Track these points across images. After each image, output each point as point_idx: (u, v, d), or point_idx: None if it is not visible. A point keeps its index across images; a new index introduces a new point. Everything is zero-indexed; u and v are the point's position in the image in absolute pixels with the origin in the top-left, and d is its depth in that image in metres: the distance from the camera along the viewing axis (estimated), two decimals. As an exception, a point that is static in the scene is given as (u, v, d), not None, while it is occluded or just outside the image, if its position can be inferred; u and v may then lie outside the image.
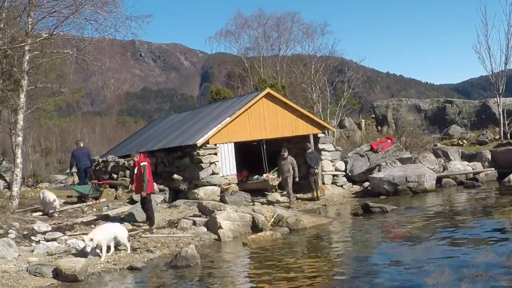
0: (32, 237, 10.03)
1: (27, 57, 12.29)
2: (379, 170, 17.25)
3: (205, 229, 10.81)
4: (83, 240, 8.75)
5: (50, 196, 12.38)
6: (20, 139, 12.51)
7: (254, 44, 37.63)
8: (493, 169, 17.61)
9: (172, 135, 17.93)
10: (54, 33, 12.52)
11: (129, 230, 10.66)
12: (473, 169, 17.76)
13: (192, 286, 7.35)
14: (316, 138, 17.18)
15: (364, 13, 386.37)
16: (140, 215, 11.29)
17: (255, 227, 10.96)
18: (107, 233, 8.83)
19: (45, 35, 12.64)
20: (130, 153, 18.41)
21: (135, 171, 10.96)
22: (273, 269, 7.82)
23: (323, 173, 16.96)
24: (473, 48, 23.61)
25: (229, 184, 15.01)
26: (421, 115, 32.12)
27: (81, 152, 15.25)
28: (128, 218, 11.44)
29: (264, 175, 16.10)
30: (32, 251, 9.04)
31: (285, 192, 15.20)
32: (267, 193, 15.51)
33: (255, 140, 16.47)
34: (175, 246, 9.60)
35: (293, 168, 14.68)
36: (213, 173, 14.77)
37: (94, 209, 13.23)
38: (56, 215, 12.28)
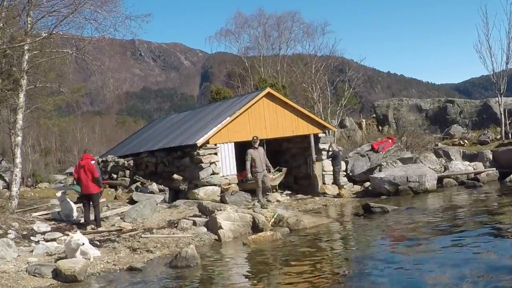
0: (32, 237, 9.98)
1: (26, 57, 12.24)
2: (380, 170, 17.21)
3: (205, 229, 10.76)
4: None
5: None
6: (19, 139, 12.45)
7: (254, 43, 37.68)
8: (495, 169, 17.57)
9: (172, 135, 17.88)
10: (54, 32, 12.48)
11: (129, 230, 10.66)
12: (474, 169, 17.71)
13: (192, 286, 7.29)
14: (317, 138, 17.13)
15: (364, 12, 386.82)
16: (140, 214, 11.20)
17: (256, 227, 10.90)
18: None
19: (44, 35, 12.59)
20: (130, 153, 18.51)
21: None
22: (273, 270, 7.78)
23: (323, 173, 16.91)
24: (474, 47, 23.61)
25: (229, 184, 14.96)
26: (422, 114, 32.07)
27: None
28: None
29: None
30: (32, 251, 8.98)
31: (286, 192, 15.15)
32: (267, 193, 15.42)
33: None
34: (175, 246, 9.54)
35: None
36: (213, 173, 14.72)
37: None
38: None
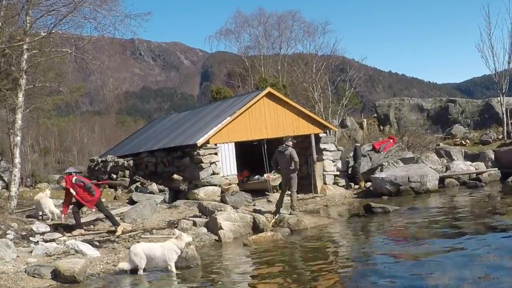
0: (31, 238, 9.92)
1: (25, 56, 12.17)
2: (381, 170, 17.14)
3: (205, 230, 10.70)
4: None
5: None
6: (18, 138, 12.38)
7: (255, 43, 37.61)
8: (496, 169, 17.48)
9: (172, 135, 17.81)
10: (53, 31, 12.42)
11: (129, 231, 10.58)
12: (476, 169, 17.61)
13: (192, 287, 7.24)
14: (318, 138, 17.06)
15: (365, 12, 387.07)
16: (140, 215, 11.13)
17: (256, 228, 10.86)
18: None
19: (43, 34, 12.54)
20: (129, 153, 18.44)
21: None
22: (274, 270, 7.72)
23: (324, 173, 16.84)
24: (476, 47, 23.42)
25: (229, 184, 14.89)
26: (423, 114, 31.99)
27: None
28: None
29: (265, 175, 15.96)
30: (31, 252, 8.92)
31: (286, 192, 15.00)
32: (268, 193, 15.39)
33: (256, 139, 16.35)
34: (175, 247, 9.46)
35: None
36: (214, 173, 14.65)
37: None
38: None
